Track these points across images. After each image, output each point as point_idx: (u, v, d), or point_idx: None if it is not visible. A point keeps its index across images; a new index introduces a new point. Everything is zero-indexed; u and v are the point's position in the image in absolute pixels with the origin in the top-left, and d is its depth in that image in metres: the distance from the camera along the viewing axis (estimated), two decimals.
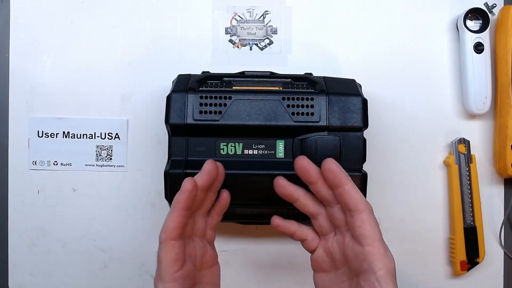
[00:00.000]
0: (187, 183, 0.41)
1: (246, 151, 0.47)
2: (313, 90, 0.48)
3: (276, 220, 0.45)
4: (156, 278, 0.41)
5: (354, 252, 0.40)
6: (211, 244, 0.46)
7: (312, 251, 0.45)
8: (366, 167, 0.47)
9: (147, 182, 0.55)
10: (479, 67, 0.53)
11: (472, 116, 0.55)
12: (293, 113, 0.46)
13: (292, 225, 0.45)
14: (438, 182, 0.56)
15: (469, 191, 0.54)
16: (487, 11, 0.54)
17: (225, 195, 0.45)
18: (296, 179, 0.43)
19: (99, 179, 0.55)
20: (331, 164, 0.41)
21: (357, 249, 0.40)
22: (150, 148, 0.55)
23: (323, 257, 0.44)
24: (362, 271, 0.40)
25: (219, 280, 0.45)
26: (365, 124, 0.47)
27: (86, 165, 0.55)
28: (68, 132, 0.55)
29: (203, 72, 0.51)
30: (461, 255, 0.54)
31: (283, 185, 0.43)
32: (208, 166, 0.42)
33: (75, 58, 0.55)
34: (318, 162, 0.44)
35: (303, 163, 0.42)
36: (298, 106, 0.47)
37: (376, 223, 0.40)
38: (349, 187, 0.40)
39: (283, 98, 0.47)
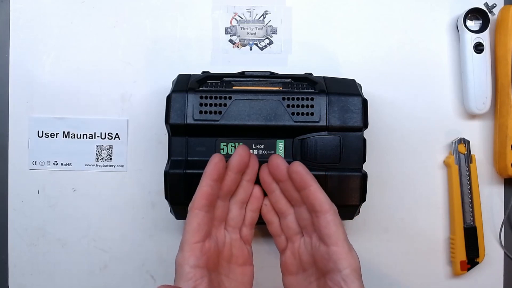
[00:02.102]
0: (214, 156, 0.42)
1: None
2: (313, 90, 0.48)
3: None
4: (179, 248, 0.41)
5: (320, 252, 0.42)
6: (247, 244, 0.46)
7: (282, 250, 0.46)
8: (366, 167, 0.47)
9: (147, 182, 0.55)
10: (479, 67, 0.53)
11: (472, 116, 0.55)
12: (293, 113, 0.46)
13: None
14: (438, 182, 0.56)
15: (469, 191, 0.54)
16: (487, 11, 0.54)
17: (257, 190, 0.46)
18: None
19: (99, 179, 0.55)
20: (297, 167, 0.42)
21: (323, 249, 0.41)
22: (150, 148, 0.55)
23: (291, 260, 0.45)
24: (328, 270, 0.41)
25: (251, 283, 0.45)
26: (365, 124, 0.47)
27: (86, 165, 0.55)
28: (68, 132, 0.55)
29: (203, 72, 0.51)
30: (461, 255, 0.54)
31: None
32: (240, 148, 0.44)
33: (75, 58, 0.55)
34: (318, 162, 0.44)
35: (277, 161, 0.43)
36: (298, 106, 0.47)
37: (340, 224, 0.41)
38: (314, 189, 0.42)
39: (283, 98, 0.47)
